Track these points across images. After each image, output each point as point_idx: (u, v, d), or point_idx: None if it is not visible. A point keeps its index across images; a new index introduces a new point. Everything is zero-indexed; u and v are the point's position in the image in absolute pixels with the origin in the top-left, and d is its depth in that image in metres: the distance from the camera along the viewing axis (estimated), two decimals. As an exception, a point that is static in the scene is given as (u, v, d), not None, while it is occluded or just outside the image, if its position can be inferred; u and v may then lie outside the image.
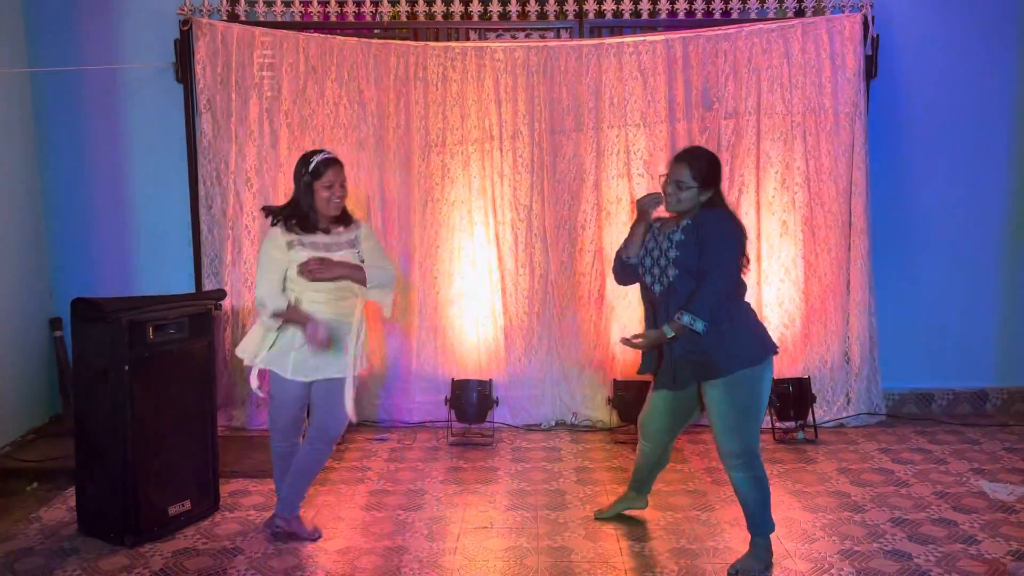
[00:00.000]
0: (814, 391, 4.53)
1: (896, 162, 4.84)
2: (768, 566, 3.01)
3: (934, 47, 4.79)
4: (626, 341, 3.07)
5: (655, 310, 3.06)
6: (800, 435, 4.48)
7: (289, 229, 3.14)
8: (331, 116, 4.65)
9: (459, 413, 4.52)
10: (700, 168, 2.96)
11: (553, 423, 4.76)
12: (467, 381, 4.54)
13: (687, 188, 2.95)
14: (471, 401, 4.50)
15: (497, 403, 4.55)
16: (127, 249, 4.87)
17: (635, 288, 4.76)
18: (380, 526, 3.43)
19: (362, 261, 3.18)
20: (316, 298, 3.12)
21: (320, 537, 3.30)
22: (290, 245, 3.12)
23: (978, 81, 4.81)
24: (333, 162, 3.16)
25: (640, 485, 3.48)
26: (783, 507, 3.60)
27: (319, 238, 3.16)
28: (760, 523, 3.02)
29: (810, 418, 4.49)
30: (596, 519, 3.47)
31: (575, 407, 4.77)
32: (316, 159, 3.14)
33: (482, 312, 4.76)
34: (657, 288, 3.02)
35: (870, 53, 4.61)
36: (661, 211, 3.14)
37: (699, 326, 2.84)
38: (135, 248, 4.87)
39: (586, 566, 3.06)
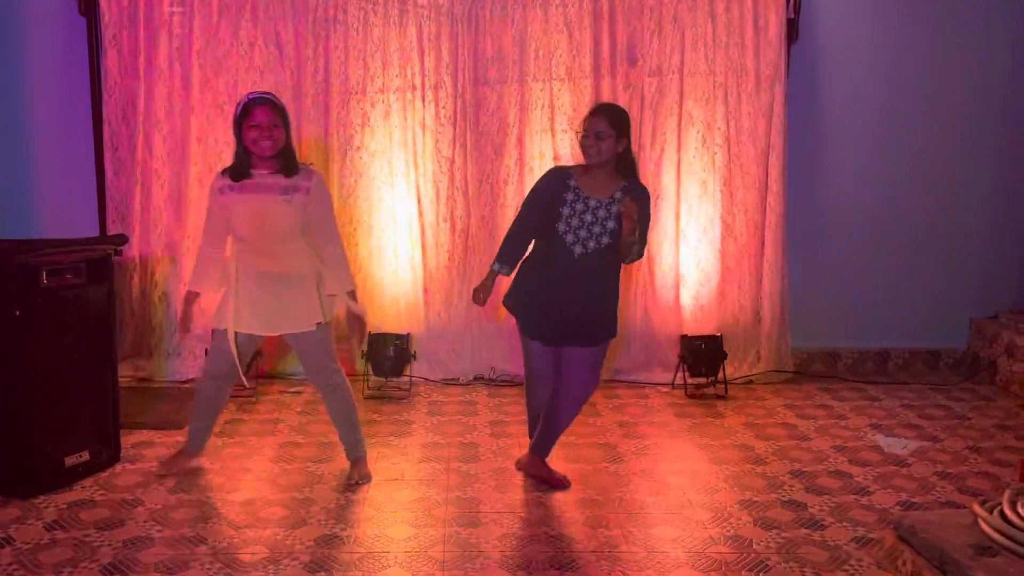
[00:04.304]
0: (726, 348, 4.63)
1: (814, 126, 4.92)
2: None
3: (855, 12, 4.85)
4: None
5: (565, 269, 3.16)
6: (710, 390, 4.59)
7: (224, 175, 3.14)
8: (245, 58, 4.48)
9: (376, 366, 4.48)
10: (616, 118, 3.16)
11: (471, 377, 4.76)
12: (384, 335, 4.50)
13: (606, 137, 3.11)
14: (388, 355, 4.46)
15: (415, 357, 4.53)
16: (26, 191, 4.63)
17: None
18: (288, 478, 3.39)
19: (288, 207, 3.08)
20: (250, 251, 3.13)
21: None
22: (221, 190, 3.12)
23: (897, 48, 4.90)
24: (261, 102, 3.07)
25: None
26: (689, 460, 3.69)
27: (248, 181, 3.10)
28: (549, 448, 3.43)
29: (721, 375, 4.60)
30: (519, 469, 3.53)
31: (493, 362, 4.78)
32: (245, 99, 3.09)
33: (401, 265, 4.70)
34: (577, 249, 3.14)
35: (792, 16, 4.65)
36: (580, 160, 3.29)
37: None
38: (34, 190, 4.64)
39: (493, 516, 3.08)
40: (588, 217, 3.14)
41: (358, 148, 4.60)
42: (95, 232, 4.55)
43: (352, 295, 3.26)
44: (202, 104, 4.47)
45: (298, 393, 4.47)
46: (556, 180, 3.24)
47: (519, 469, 3.51)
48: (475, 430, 4.00)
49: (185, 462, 3.42)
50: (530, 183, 4.60)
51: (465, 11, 4.52)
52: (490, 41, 4.57)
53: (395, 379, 4.52)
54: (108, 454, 3.43)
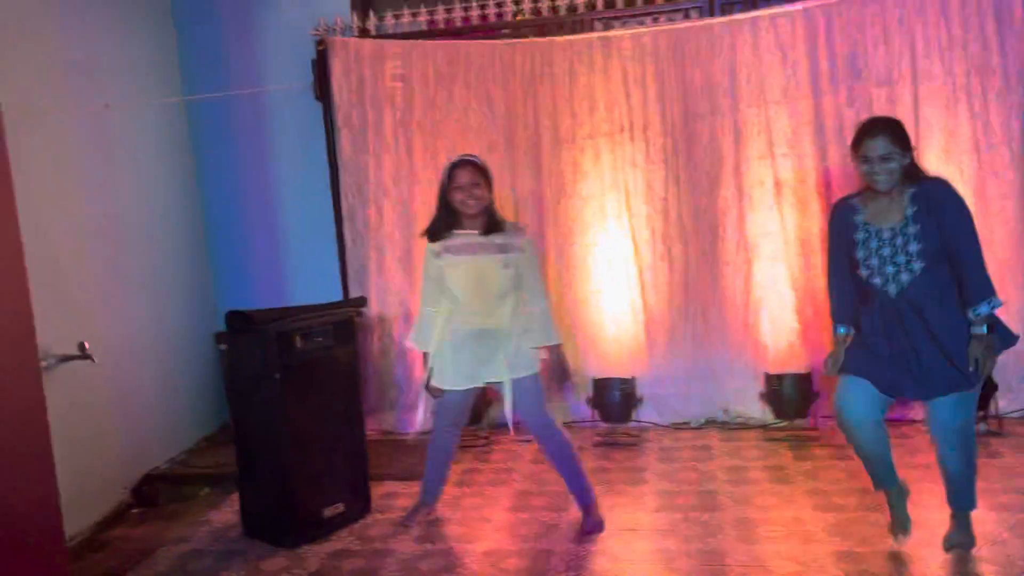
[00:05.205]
0: (996, 378, 4.08)
1: (1082, 118, 4.30)
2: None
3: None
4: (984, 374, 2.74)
5: (888, 313, 2.81)
6: (982, 427, 4.06)
7: (434, 238, 3.29)
8: (460, 121, 4.69)
9: (602, 412, 4.43)
10: (898, 133, 2.78)
11: (702, 421, 4.56)
12: (609, 379, 4.44)
13: (895, 159, 2.76)
14: (614, 400, 4.40)
15: (641, 401, 4.42)
16: (280, 263, 5.12)
17: (782, 275, 4.50)
18: (526, 528, 3.40)
19: (506, 267, 3.22)
20: (468, 310, 3.27)
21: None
22: (436, 253, 3.29)
23: None
24: (463, 163, 3.25)
25: (890, 475, 2.96)
26: (964, 507, 3.26)
27: (461, 240, 3.25)
28: (969, 498, 2.91)
29: (992, 409, 4.07)
30: (898, 537, 2.98)
31: (725, 403, 4.55)
32: (449, 163, 3.27)
33: (621, 308, 4.64)
34: (892, 288, 2.78)
35: (1044, -1, 4.13)
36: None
37: (998, 303, 2.74)
38: (287, 261, 5.11)
39: (740, 570, 2.89)
40: (886, 251, 2.79)
41: (570, 195, 4.64)
42: (339, 297, 4.93)
43: (558, 348, 3.35)
44: (424, 170, 4.72)
45: (528, 441, 4.50)
46: (841, 219, 2.93)
47: (950, 549, 2.91)
48: (711, 477, 3.81)
49: (424, 514, 3.53)
50: (750, 213, 4.46)
51: (670, 47, 4.45)
52: (698, 73, 4.45)
53: (623, 424, 4.43)
54: (360, 505, 3.63)
